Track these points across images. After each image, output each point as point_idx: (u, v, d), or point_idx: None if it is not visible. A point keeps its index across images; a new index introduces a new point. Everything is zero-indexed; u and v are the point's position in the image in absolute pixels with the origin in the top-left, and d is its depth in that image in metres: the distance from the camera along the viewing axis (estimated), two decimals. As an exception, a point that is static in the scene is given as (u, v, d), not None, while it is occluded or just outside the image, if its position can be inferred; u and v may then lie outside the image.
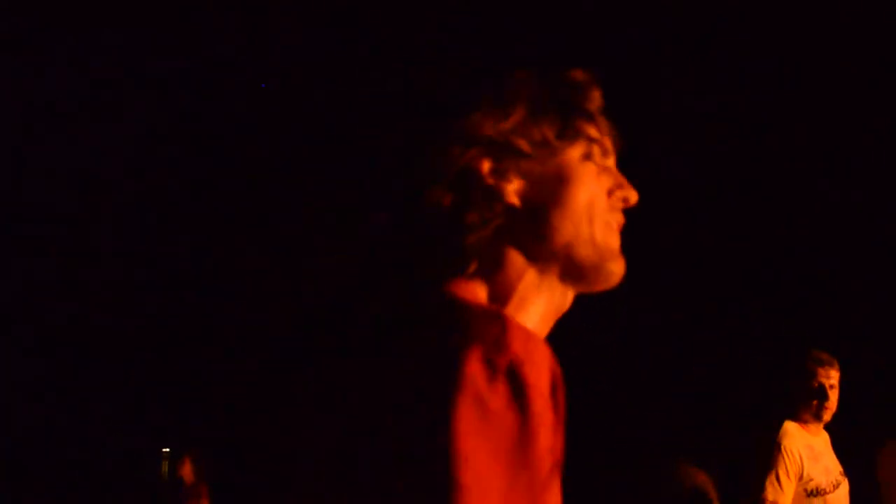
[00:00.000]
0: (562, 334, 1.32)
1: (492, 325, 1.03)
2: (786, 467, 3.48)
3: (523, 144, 1.23)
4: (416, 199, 1.22)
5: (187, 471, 6.07)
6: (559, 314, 1.28)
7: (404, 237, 1.25)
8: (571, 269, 1.24)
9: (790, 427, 3.58)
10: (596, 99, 1.31)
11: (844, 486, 3.62)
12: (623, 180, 1.30)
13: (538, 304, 1.24)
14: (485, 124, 1.22)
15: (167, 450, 8.24)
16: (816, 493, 3.51)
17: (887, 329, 6.88)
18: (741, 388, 6.58)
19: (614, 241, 1.27)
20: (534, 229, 1.23)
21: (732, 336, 7.95)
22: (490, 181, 1.22)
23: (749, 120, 7.75)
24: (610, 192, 1.28)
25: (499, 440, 0.97)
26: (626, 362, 8.37)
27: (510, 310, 1.19)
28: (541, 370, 1.01)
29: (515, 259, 1.23)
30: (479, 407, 0.97)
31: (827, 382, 3.60)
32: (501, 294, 1.21)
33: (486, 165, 1.22)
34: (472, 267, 1.21)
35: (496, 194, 1.22)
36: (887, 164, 7.28)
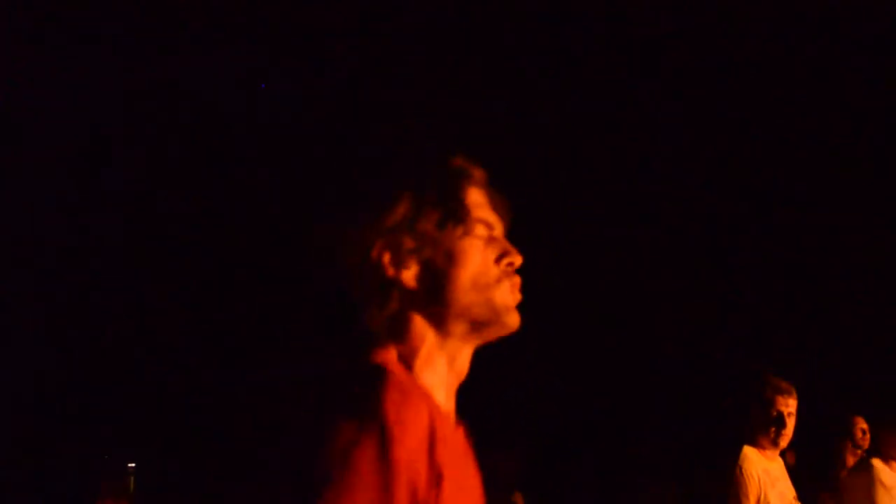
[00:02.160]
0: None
1: (370, 391, 1.27)
2: (746, 491, 3.55)
3: (411, 239, 1.43)
4: (333, 285, 1.46)
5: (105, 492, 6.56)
6: (463, 369, 1.49)
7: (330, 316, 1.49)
8: (468, 330, 1.45)
9: (749, 452, 3.67)
10: (469, 187, 1.50)
11: None
12: (508, 247, 1.48)
13: (441, 361, 1.44)
14: (380, 224, 1.43)
15: (132, 465, 8.28)
16: None
17: (844, 353, 6.91)
18: (701, 413, 6.60)
19: (507, 298, 1.46)
20: (431, 303, 1.44)
21: (694, 362, 7.96)
22: (390, 272, 1.43)
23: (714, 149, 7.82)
24: (497, 260, 1.47)
25: (364, 490, 1.19)
26: (589, 386, 8.37)
27: (417, 367, 1.41)
28: (411, 430, 1.24)
29: (416, 328, 1.44)
30: (345, 461, 1.20)
31: (786, 410, 3.68)
32: (409, 356, 1.42)
33: (385, 257, 1.43)
34: (384, 336, 1.42)
35: (396, 282, 1.43)
36: (853, 195, 7.35)
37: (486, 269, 1.45)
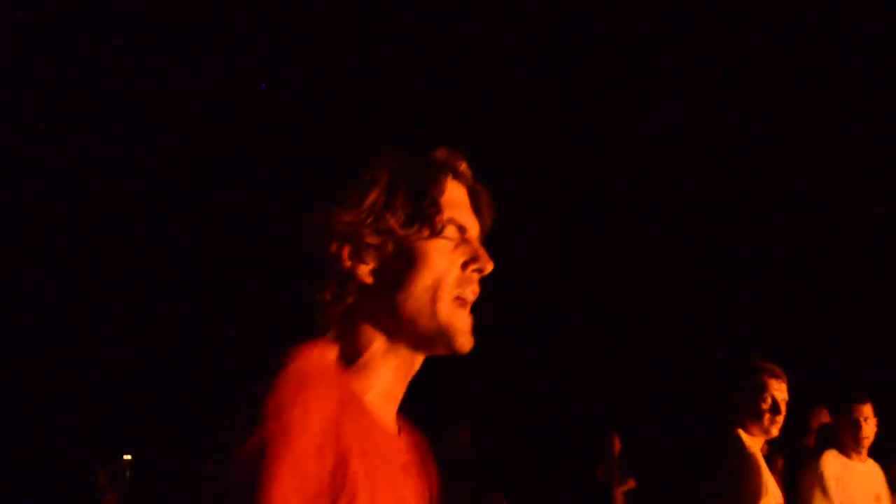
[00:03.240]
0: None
1: (259, 390, 1.22)
2: (758, 469, 3.34)
3: (372, 234, 1.36)
4: (291, 275, 1.41)
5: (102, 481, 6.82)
6: (410, 374, 1.41)
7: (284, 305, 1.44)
8: (416, 340, 1.37)
9: (744, 435, 3.52)
10: (448, 182, 1.42)
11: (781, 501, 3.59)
12: (479, 252, 1.40)
13: (386, 367, 1.38)
14: (342, 216, 1.36)
15: (128, 457, 8.33)
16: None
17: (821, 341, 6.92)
18: (692, 399, 6.58)
19: (459, 318, 1.37)
20: (383, 305, 1.36)
21: (686, 348, 7.95)
22: (347, 264, 1.36)
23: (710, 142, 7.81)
24: (465, 265, 1.38)
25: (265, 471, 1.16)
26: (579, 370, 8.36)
27: (355, 370, 1.35)
28: (309, 412, 1.20)
29: (365, 329, 1.37)
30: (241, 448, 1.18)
31: (780, 396, 3.52)
32: (351, 356, 1.36)
33: (345, 250, 1.36)
34: (331, 332, 1.37)
35: (351, 275, 1.36)
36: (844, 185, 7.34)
37: (447, 278, 1.37)
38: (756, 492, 3.32)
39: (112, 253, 8.87)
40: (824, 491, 3.97)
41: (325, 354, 1.33)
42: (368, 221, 1.36)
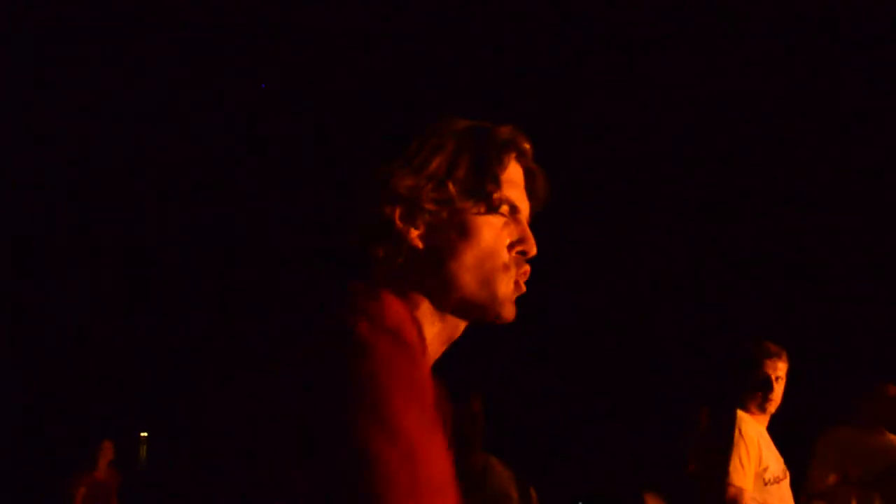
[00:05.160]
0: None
1: (373, 303, 1.21)
2: (746, 452, 3.41)
3: (430, 201, 1.37)
4: (345, 234, 1.42)
5: (105, 456, 6.54)
6: (451, 340, 1.43)
7: (336, 264, 1.43)
8: (463, 307, 1.39)
9: (743, 415, 3.50)
10: (510, 160, 1.43)
11: (789, 478, 3.57)
12: (526, 234, 1.41)
13: (430, 329, 1.38)
14: (403, 178, 1.37)
15: (145, 434, 8.34)
16: (771, 481, 3.44)
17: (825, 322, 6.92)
18: (694, 377, 6.61)
19: (505, 289, 1.39)
20: (431, 271, 1.38)
21: (686, 324, 7.97)
22: (399, 225, 1.37)
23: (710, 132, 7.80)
24: (510, 246, 1.40)
25: (397, 377, 1.13)
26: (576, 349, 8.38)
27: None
28: (410, 331, 1.19)
29: (414, 292, 1.38)
30: (373, 354, 1.13)
31: (773, 374, 3.52)
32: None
33: (398, 212, 1.36)
34: (385, 289, 1.34)
35: (402, 237, 1.37)
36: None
37: (495, 253, 1.38)
38: (738, 467, 3.35)
39: (142, 219, 8.81)
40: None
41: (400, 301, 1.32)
42: (428, 188, 1.37)
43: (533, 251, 1.42)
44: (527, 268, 1.42)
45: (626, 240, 8.41)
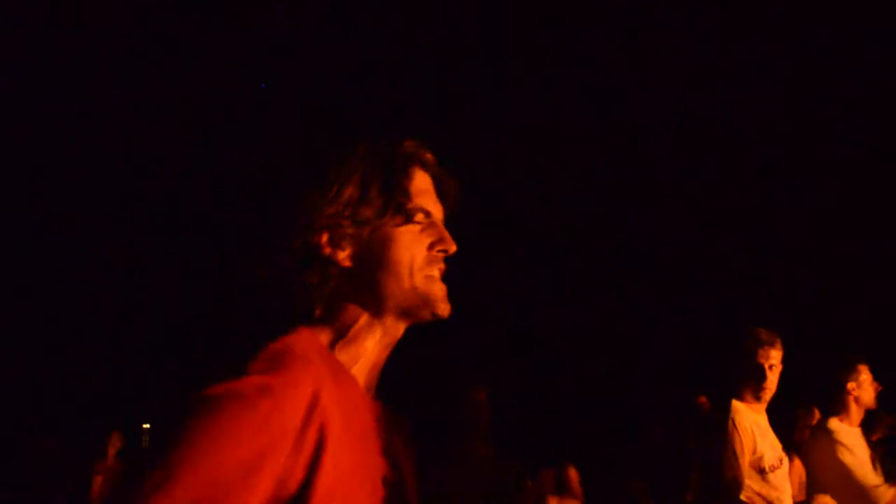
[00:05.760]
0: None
1: (240, 365, 1.33)
2: (740, 442, 3.41)
3: (351, 224, 1.49)
4: (275, 266, 1.51)
5: (114, 445, 6.99)
6: (393, 343, 1.54)
7: (271, 295, 1.53)
8: (400, 311, 1.51)
9: (738, 405, 3.49)
10: (416, 171, 1.57)
11: (786, 463, 3.56)
12: (443, 235, 1.54)
13: (372, 338, 1.51)
14: (324, 208, 1.49)
15: (147, 426, 8.42)
16: (766, 469, 3.43)
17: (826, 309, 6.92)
18: (691, 366, 6.62)
19: (434, 288, 1.51)
20: (363, 285, 1.50)
21: (683, 315, 7.98)
22: (327, 251, 1.48)
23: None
24: (431, 247, 1.52)
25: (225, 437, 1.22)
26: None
27: (344, 344, 1.49)
28: (294, 398, 1.28)
29: (350, 307, 1.51)
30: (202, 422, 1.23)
31: (766, 363, 3.48)
32: (340, 333, 1.49)
33: (324, 238, 1.48)
34: (318, 313, 1.49)
35: (331, 260, 1.48)
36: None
37: (417, 257, 1.51)
38: (730, 458, 3.35)
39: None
40: (847, 448, 3.94)
41: (313, 336, 1.46)
42: (347, 213, 1.49)
43: (452, 248, 1.55)
44: (442, 266, 1.53)
45: (621, 231, 8.42)
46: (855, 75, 7.32)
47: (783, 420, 3.81)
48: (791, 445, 4.57)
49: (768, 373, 3.47)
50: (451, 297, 1.51)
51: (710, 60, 7.66)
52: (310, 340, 1.44)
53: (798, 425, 5.19)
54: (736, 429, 3.42)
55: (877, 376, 4.25)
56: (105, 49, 7.68)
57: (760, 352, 3.47)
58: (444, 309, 1.52)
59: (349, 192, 1.51)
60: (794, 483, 4.38)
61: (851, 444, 3.93)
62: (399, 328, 1.54)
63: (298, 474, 1.26)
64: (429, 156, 1.61)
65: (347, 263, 1.50)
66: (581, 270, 8.44)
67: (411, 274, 1.50)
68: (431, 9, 7.48)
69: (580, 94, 7.89)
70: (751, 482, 3.37)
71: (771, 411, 3.53)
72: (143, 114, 7.88)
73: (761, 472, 3.40)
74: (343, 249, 1.50)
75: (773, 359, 3.51)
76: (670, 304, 8.35)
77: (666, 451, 5.37)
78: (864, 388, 4.07)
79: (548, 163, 8.14)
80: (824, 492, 3.89)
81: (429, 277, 1.52)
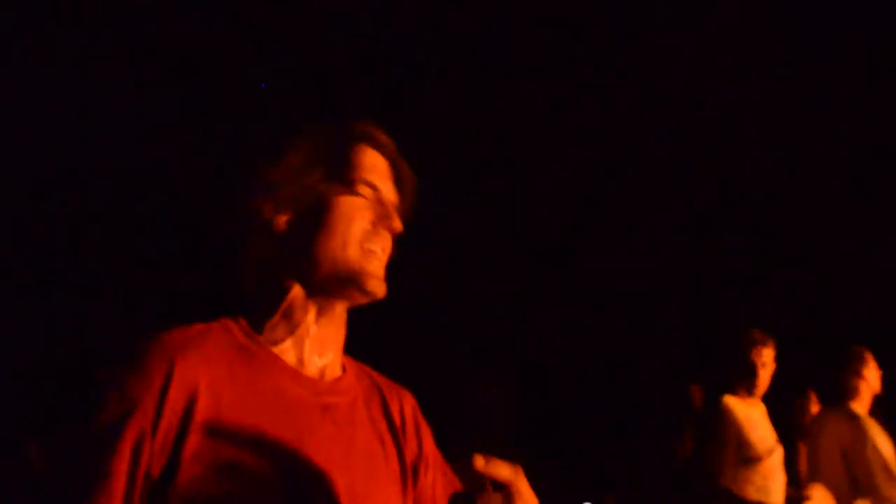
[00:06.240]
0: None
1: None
2: (724, 436, 3.54)
3: (292, 189, 1.45)
4: (226, 233, 1.48)
5: None
6: (336, 323, 1.49)
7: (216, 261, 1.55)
8: (331, 286, 1.44)
9: (728, 399, 3.64)
10: (366, 149, 1.52)
11: (779, 453, 3.70)
12: (388, 212, 1.49)
13: (308, 315, 1.45)
14: (270, 174, 1.46)
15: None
16: (752, 459, 3.56)
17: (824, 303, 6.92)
18: (685, 363, 6.65)
19: (370, 265, 1.45)
20: (299, 253, 1.44)
21: (675, 312, 7.99)
22: (267, 215, 1.45)
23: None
24: (374, 223, 1.47)
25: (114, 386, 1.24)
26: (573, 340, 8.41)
27: (278, 317, 1.43)
28: (194, 364, 1.27)
29: (284, 278, 1.44)
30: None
31: (758, 361, 3.64)
32: (273, 304, 1.44)
33: (267, 204, 1.46)
34: (253, 282, 1.46)
35: (270, 224, 1.45)
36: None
37: (355, 228, 1.45)
38: (714, 446, 3.48)
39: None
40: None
41: (225, 323, 1.42)
42: (290, 178, 1.47)
43: (396, 227, 1.50)
44: (387, 245, 1.49)
45: (620, 230, 8.42)
46: (855, 75, 7.31)
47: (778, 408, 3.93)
48: (796, 431, 4.69)
49: (760, 371, 3.63)
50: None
51: (709, 60, 7.65)
52: (220, 324, 1.41)
53: (799, 412, 5.25)
54: (723, 421, 3.59)
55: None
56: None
57: (754, 351, 3.63)
58: (374, 287, 1.45)
59: (297, 160, 1.48)
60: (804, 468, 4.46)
61: (875, 431, 4.05)
62: (335, 306, 1.48)
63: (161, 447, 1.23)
64: (384, 138, 1.56)
65: (283, 228, 1.46)
66: (577, 270, 8.43)
67: (345, 244, 1.44)
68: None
69: (580, 92, 7.88)
70: (736, 470, 3.51)
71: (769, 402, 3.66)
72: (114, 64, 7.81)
73: (748, 460, 3.53)
74: (282, 214, 1.47)
75: (766, 357, 3.66)
76: (670, 303, 8.33)
77: (664, 447, 5.42)
78: (873, 374, 4.24)
79: (548, 162, 8.13)
80: (838, 476, 3.97)
81: (366, 251, 1.45)
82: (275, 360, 1.39)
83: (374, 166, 1.52)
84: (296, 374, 1.41)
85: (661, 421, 6.30)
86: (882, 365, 4.65)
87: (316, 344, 1.45)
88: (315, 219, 1.45)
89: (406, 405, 1.61)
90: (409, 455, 1.58)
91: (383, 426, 1.53)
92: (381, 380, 1.60)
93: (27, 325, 8.36)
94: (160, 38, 7.74)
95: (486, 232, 8.00)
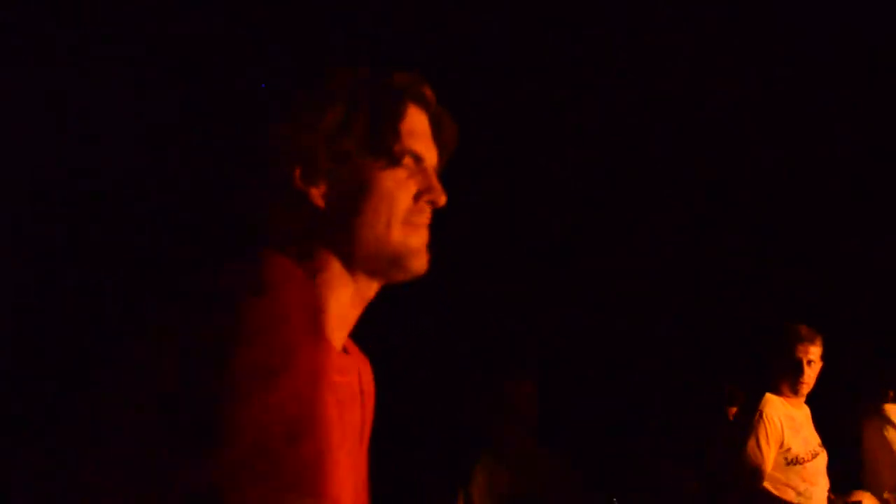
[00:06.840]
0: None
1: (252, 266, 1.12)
2: (766, 434, 3.48)
3: (329, 159, 1.31)
4: (247, 198, 1.34)
5: None
6: (364, 302, 1.37)
7: (242, 226, 1.34)
8: (373, 266, 1.34)
9: (771, 398, 3.56)
10: (410, 108, 1.37)
11: (822, 457, 3.62)
12: (432, 184, 1.38)
13: (342, 291, 1.32)
14: (300, 137, 1.31)
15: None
16: (795, 461, 3.49)
17: (870, 304, 6.92)
18: (729, 361, 6.63)
19: (415, 240, 1.35)
20: (336, 230, 1.33)
21: (722, 309, 7.97)
22: (299, 185, 1.31)
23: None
24: (417, 196, 1.36)
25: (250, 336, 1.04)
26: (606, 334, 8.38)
27: (315, 286, 1.28)
28: (291, 292, 1.10)
29: (322, 252, 1.32)
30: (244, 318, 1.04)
31: (805, 358, 3.57)
32: (312, 274, 1.29)
33: (297, 172, 1.31)
34: (294, 250, 1.29)
35: (303, 197, 1.31)
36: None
37: (400, 206, 1.35)
38: (754, 447, 3.41)
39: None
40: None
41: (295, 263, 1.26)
42: (324, 145, 1.33)
43: (441, 200, 1.39)
44: (428, 217, 1.37)
45: (620, 230, 8.41)
46: (855, 75, 7.32)
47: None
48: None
49: (806, 368, 3.55)
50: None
51: (709, 60, 7.64)
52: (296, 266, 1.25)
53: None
54: (763, 420, 3.48)
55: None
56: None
57: (800, 347, 3.55)
58: (418, 265, 1.36)
59: (330, 122, 1.34)
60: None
61: None
62: (371, 288, 1.39)
63: None
64: (428, 91, 1.44)
65: (320, 203, 1.34)
66: (612, 259, 8.40)
67: (388, 225, 1.34)
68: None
69: (580, 92, 7.87)
70: (777, 472, 3.44)
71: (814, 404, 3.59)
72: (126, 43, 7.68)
73: (791, 463, 3.46)
74: (317, 186, 1.34)
75: (812, 354, 3.59)
76: (670, 304, 8.32)
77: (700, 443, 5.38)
78: None
79: (548, 162, 8.11)
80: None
81: (409, 227, 1.35)
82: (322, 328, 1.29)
83: (417, 129, 1.40)
84: (333, 348, 1.32)
85: (664, 421, 6.29)
86: (882, 365, 4.65)
87: (342, 321, 1.37)
88: (354, 197, 1.34)
89: (369, 375, 1.53)
90: (367, 430, 1.51)
91: (369, 403, 1.47)
92: (361, 355, 1.52)
93: (27, 325, 8.28)
94: (160, 38, 7.68)
95: (485, 232, 7.97)
